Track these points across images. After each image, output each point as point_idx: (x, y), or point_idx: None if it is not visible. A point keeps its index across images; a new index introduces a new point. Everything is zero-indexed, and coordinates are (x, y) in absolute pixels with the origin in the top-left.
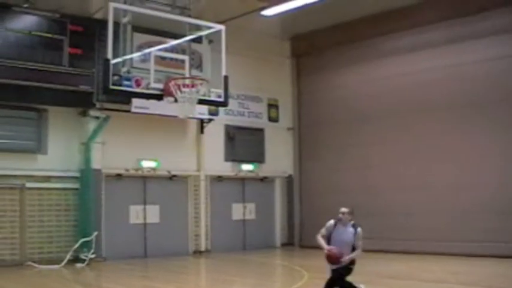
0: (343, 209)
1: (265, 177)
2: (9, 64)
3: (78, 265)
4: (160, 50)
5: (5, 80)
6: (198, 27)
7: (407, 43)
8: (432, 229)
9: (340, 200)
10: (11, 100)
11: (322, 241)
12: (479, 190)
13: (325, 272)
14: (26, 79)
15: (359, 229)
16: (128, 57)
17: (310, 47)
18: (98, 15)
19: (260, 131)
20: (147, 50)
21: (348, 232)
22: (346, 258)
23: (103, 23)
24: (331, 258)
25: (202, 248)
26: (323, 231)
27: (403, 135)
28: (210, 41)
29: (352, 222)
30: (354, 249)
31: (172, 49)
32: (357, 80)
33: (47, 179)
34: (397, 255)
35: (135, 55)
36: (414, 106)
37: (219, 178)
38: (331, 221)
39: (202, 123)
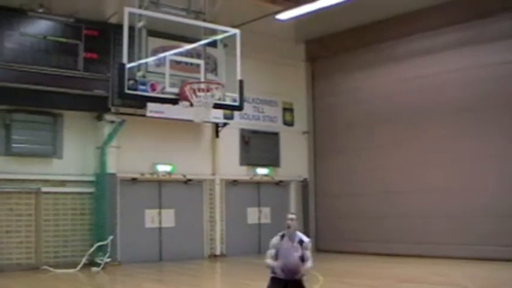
0: (291, 215)
1: (280, 181)
2: (25, 69)
3: (94, 269)
4: (175, 54)
5: (21, 84)
6: (213, 31)
7: (421, 46)
8: (448, 232)
9: (355, 203)
10: (26, 105)
11: (270, 261)
12: (498, 193)
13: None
14: (41, 84)
15: (306, 240)
16: (143, 61)
17: (324, 51)
18: (113, 20)
19: (275, 134)
20: (162, 55)
21: (294, 245)
22: (304, 269)
23: (118, 27)
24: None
25: (218, 252)
26: (271, 252)
27: (417, 138)
28: (225, 45)
29: (298, 232)
30: (303, 260)
31: (187, 53)
32: (371, 83)
33: (63, 183)
34: (413, 258)
35: (150, 59)
36: (428, 109)
37: (234, 182)
38: (276, 237)
39: (217, 127)
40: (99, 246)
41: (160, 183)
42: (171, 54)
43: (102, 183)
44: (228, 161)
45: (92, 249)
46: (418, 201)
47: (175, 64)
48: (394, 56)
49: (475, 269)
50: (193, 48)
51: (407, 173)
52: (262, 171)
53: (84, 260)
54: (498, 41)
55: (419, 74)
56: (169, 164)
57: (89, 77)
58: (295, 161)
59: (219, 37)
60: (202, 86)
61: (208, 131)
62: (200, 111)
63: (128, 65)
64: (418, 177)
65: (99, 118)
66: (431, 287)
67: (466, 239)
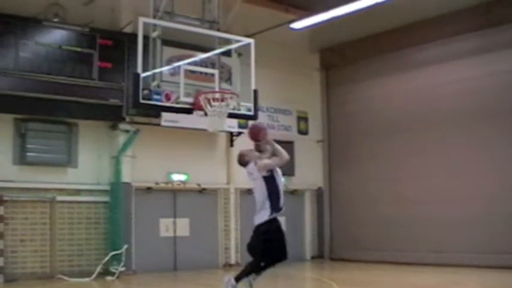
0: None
1: (295, 190)
2: (40, 78)
3: (108, 278)
4: (189, 63)
5: (36, 93)
6: (227, 41)
7: (435, 54)
8: (466, 240)
9: (370, 213)
10: (41, 114)
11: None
12: None
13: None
14: (56, 93)
15: None
16: (157, 71)
17: (339, 59)
18: (128, 29)
19: (290, 143)
20: (176, 64)
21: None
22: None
23: (132, 36)
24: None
25: (232, 261)
26: None
27: (432, 147)
28: (239, 54)
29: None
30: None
31: (201, 63)
32: (386, 91)
33: (77, 192)
34: (430, 267)
35: (165, 69)
36: (443, 117)
37: (249, 191)
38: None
39: (231, 136)
40: (114, 255)
41: (175, 192)
42: (186, 64)
43: (117, 193)
44: (243, 170)
45: (106, 258)
46: (435, 209)
47: (189, 73)
48: (408, 64)
49: (494, 278)
50: (208, 58)
51: (423, 182)
52: None
53: (98, 269)
54: None
55: (434, 82)
56: (184, 173)
57: (103, 86)
58: (309, 169)
59: (233, 47)
60: (217, 95)
61: (223, 140)
62: (215, 121)
63: (143, 75)
64: (433, 186)
65: (114, 127)
66: None
67: (485, 247)
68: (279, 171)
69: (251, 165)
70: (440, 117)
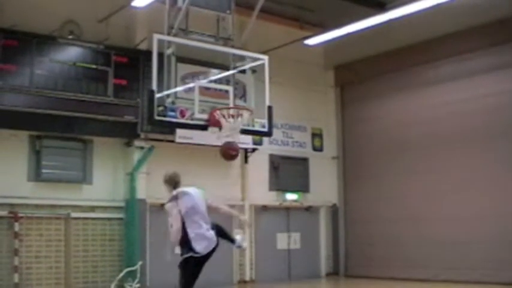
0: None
1: (310, 207)
2: (55, 95)
3: None
4: (204, 80)
5: (51, 111)
6: (242, 58)
7: (451, 71)
8: (480, 258)
9: (385, 229)
10: (56, 131)
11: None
12: None
13: None
14: (71, 110)
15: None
16: (172, 90)
17: (353, 76)
18: (143, 46)
19: (304, 160)
20: (191, 85)
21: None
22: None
23: (147, 53)
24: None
25: (247, 278)
26: None
27: (449, 165)
28: (254, 71)
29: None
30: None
31: (216, 79)
32: (400, 108)
33: (92, 209)
34: (442, 284)
35: (180, 88)
36: (460, 135)
37: (264, 207)
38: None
39: (246, 153)
40: (129, 271)
41: None
42: (201, 81)
43: (132, 209)
44: (258, 187)
45: (121, 275)
46: (450, 228)
47: (204, 90)
48: (423, 82)
49: None
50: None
51: (438, 200)
52: (291, 196)
53: (113, 286)
54: None
55: (450, 100)
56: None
57: (118, 103)
58: (324, 186)
59: (247, 66)
60: (231, 111)
61: (238, 156)
62: (229, 137)
63: (158, 95)
64: (449, 204)
65: (129, 144)
66: None
67: (496, 264)
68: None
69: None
70: (456, 134)
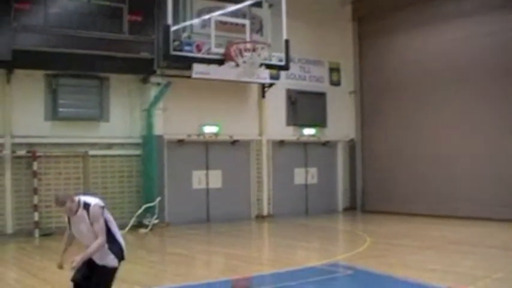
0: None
1: (327, 142)
2: (70, 33)
3: (142, 230)
4: (220, 14)
5: (66, 49)
6: None
7: (470, 5)
8: (498, 195)
9: (403, 164)
10: (72, 69)
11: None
12: None
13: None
14: (87, 48)
15: (92, 206)
16: (188, 23)
17: (371, 10)
18: None
19: (322, 95)
20: (207, 16)
21: (82, 218)
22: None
23: None
24: None
25: (265, 213)
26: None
27: (468, 99)
28: (270, 5)
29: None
30: None
31: (232, 14)
32: (418, 42)
33: (110, 146)
34: (461, 220)
35: (196, 21)
36: (479, 69)
37: (281, 143)
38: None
39: (263, 87)
40: (147, 207)
41: (207, 144)
42: (217, 15)
43: (149, 146)
44: (275, 122)
45: (139, 211)
46: (467, 163)
47: (220, 24)
48: (442, 15)
49: None
50: (239, 9)
51: (458, 135)
52: (309, 131)
53: (132, 222)
54: None
55: (469, 34)
56: (216, 125)
57: (134, 39)
58: (342, 121)
59: None
60: (248, 45)
61: (255, 91)
62: (247, 69)
63: (173, 28)
64: (467, 140)
65: (145, 81)
66: (487, 250)
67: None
68: None
69: None
70: (476, 69)
